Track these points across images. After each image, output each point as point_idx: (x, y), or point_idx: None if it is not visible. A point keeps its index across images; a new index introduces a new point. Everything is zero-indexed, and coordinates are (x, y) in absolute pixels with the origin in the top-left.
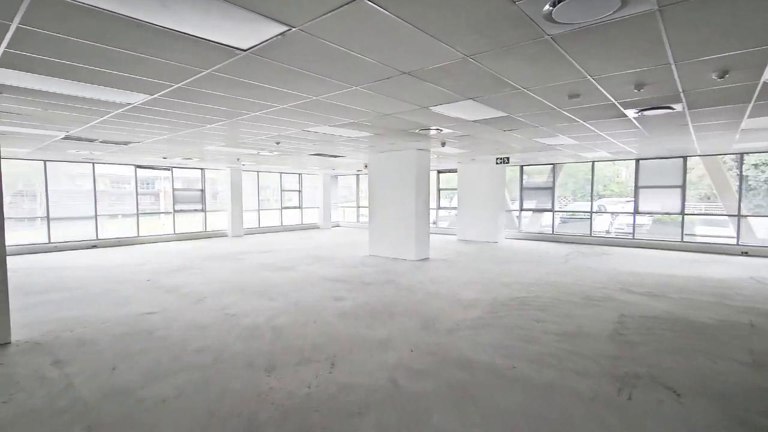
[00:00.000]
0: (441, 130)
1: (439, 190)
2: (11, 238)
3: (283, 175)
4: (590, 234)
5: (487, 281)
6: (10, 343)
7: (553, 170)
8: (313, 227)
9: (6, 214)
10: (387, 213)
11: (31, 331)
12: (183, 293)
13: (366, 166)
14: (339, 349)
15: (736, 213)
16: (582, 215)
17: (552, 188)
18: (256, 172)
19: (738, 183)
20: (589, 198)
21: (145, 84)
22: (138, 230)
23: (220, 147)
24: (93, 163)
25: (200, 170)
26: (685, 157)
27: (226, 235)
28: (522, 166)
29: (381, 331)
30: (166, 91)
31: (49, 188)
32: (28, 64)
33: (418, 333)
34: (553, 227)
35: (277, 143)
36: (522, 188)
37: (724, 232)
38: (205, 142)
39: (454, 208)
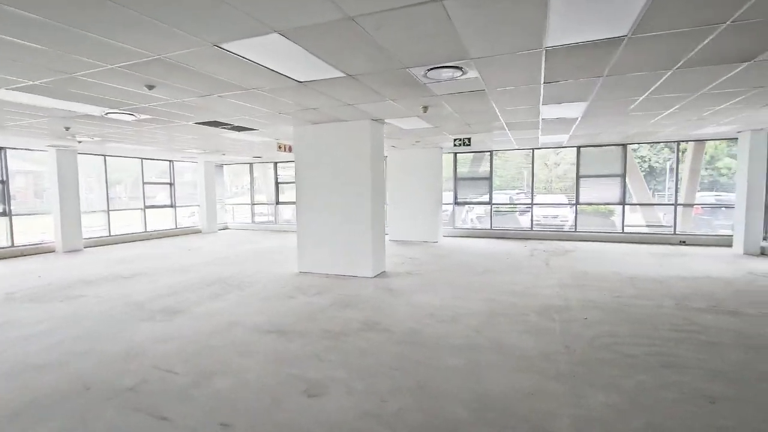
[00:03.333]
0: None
1: None
2: None
3: (145, 162)
4: (531, 228)
5: (507, 308)
6: None
7: (491, 157)
8: (193, 232)
9: None
10: (326, 212)
11: None
12: None
13: (283, 148)
14: None
15: (673, 202)
16: (508, 208)
17: (489, 178)
18: (101, 156)
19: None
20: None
21: None
22: None
23: (30, 95)
24: None
25: None
26: (624, 145)
27: (53, 251)
28: (455, 154)
29: None
30: None
31: None
32: None
33: None
34: (491, 222)
35: (150, 88)
36: (456, 178)
37: (636, 220)
38: None
39: None
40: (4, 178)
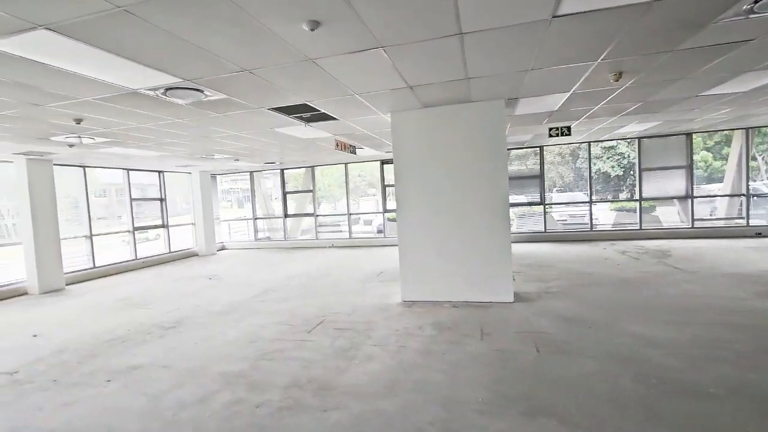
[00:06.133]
0: None
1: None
2: None
3: (131, 173)
4: (591, 228)
5: (742, 332)
6: None
7: (541, 154)
8: (189, 255)
9: None
10: (442, 222)
11: None
12: None
13: (341, 146)
14: None
15: (744, 193)
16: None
17: (541, 176)
18: (80, 167)
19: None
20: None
21: None
22: None
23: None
24: None
25: None
26: (689, 134)
27: (25, 293)
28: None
29: None
30: None
31: None
32: None
33: None
34: (545, 225)
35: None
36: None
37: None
38: None
39: None
40: None
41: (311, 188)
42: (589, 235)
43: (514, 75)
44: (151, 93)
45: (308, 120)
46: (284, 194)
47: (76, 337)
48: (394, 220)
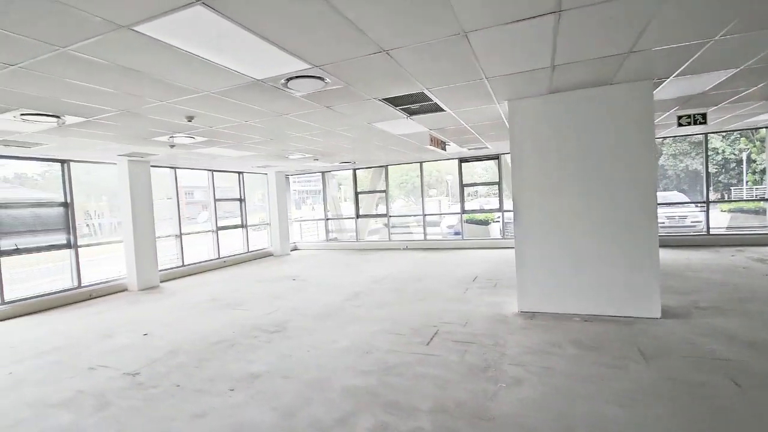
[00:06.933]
0: None
1: (462, 186)
2: None
3: (215, 174)
4: (708, 232)
5: None
6: None
7: None
8: (265, 255)
9: None
10: (571, 223)
11: None
12: None
13: (435, 143)
14: None
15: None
16: None
17: None
18: (171, 169)
19: None
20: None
21: None
22: None
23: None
24: None
25: (61, 163)
26: None
27: (125, 289)
28: None
29: None
30: None
31: None
32: None
33: None
34: None
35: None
36: None
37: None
38: None
39: (504, 210)
40: (68, 200)
41: (383, 188)
42: (706, 240)
43: (693, 47)
44: (272, 84)
45: (413, 112)
46: (356, 194)
47: (184, 337)
48: (471, 221)
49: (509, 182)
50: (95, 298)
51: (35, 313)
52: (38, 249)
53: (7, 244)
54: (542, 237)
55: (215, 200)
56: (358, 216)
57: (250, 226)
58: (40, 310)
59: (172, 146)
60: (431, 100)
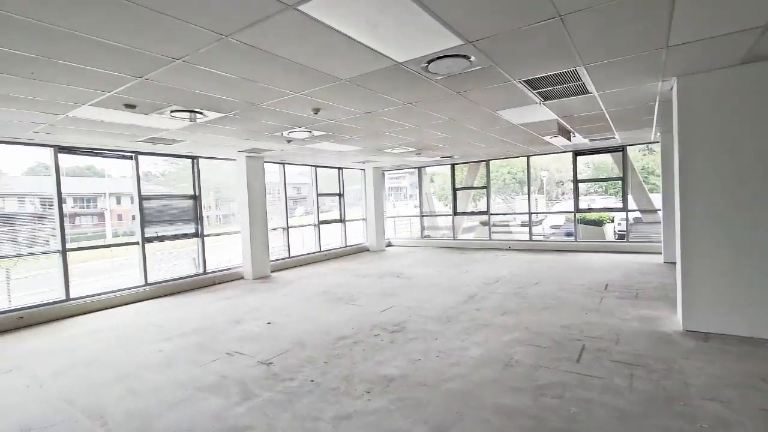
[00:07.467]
0: None
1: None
2: None
3: (318, 170)
4: None
5: None
6: None
7: None
8: (361, 250)
9: None
10: (762, 224)
11: None
12: None
13: (560, 132)
14: None
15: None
16: None
17: None
18: (279, 164)
19: None
20: None
21: None
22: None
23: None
24: None
25: (191, 159)
26: None
27: (241, 277)
28: None
29: None
30: None
31: None
32: None
33: None
34: None
35: None
36: None
37: None
38: None
39: (651, 211)
40: (197, 193)
41: (482, 185)
42: None
43: None
44: (411, 69)
45: (549, 97)
46: (454, 190)
47: (305, 329)
48: (584, 221)
49: (632, 177)
50: (217, 284)
51: (171, 295)
52: (173, 237)
53: (150, 232)
54: (720, 242)
55: (317, 195)
56: (455, 213)
57: (348, 221)
58: (174, 293)
59: (288, 141)
60: (579, 80)
